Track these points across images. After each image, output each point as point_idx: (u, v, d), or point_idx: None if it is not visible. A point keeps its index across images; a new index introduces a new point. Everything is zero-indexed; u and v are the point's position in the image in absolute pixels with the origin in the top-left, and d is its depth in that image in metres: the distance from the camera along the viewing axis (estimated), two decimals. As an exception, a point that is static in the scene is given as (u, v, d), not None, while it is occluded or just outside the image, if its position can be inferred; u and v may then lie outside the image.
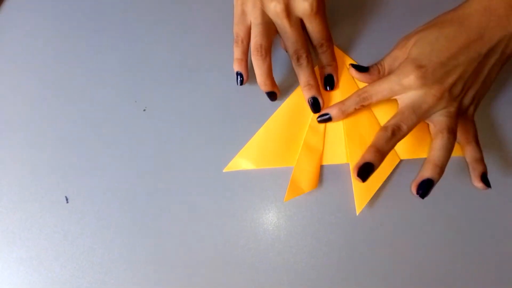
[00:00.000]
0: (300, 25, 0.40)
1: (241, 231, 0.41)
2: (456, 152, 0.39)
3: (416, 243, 0.41)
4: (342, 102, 0.40)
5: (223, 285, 0.40)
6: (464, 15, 0.36)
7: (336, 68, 0.43)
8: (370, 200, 0.41)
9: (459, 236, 0.41)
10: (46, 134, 0.43)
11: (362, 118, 0.42)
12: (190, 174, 0.42)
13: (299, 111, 0.43)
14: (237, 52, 0.40)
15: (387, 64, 0.39)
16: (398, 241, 0.41)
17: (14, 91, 0.44)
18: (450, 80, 0.35)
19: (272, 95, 0.42)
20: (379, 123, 0.42)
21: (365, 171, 0.33)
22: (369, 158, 0.34)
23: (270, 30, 0.39)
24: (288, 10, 0.38)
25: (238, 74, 0.41)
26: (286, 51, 0.41)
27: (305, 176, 0.41)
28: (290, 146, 0.42)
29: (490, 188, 0.36)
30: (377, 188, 0.41)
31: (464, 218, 0.41)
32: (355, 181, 0.41)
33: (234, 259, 0.41)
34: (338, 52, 0.44)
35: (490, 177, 0.37)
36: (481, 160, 0.37)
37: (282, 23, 0.39)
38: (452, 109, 0.36)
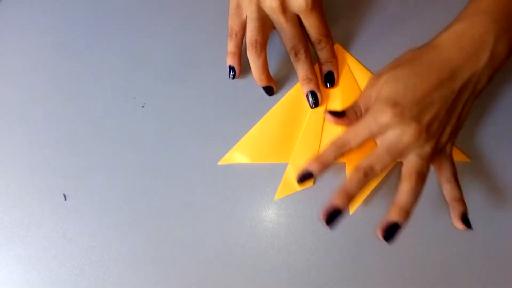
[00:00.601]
0: (297, 21, 0.39)
1: (240, 230, 0.41)
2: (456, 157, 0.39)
3: (412, 240, 0.40)
4: (319, 155, 0.36)
5: (223, 283, 0.40)
6: (435, 53, 0.35)
7: (336, 65, 0.42)
8: (369, 199, 0.41)
9: (456, 233, 0.40)
10: (44, 132, 0.43)
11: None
12: (189, 170, 0.42)
13: (297, 108, 0.42)
14: (230, 46, 0.40)
15: (362, 104, 0.37)
16: (400, 238, 0.40)
17: (12, 89, 0.44)
18: (427, 118, 0.34)
19: (269, 90, 0.42)
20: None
21: (332, 216, 0.33)
22: (338, 202, 0.33)
23: (266, 25, 0.39)
24: (284, 6, 0.38)
25: (230, 68, 0.41)
26: (285, 48, 0.41)
27: None
28: (286, 142, 0.42)
29: (471, 229, 0.35)
30: (370, 189, 0.40)
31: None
32: None
33: (230, 254, 0.40)
34: (339, 49, 0.43)
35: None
36: (460, 200, 0.36)
37: (278, 19, 0.38)
38: (427, 149, 0.34)
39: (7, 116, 0.43)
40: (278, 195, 0.41)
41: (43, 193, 0.42)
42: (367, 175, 0.34)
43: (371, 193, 0.41)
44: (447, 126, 0.35)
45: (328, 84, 0.42)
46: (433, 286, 0.40)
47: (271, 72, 0.41)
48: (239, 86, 0.43)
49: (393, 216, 0.34)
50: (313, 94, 0.41)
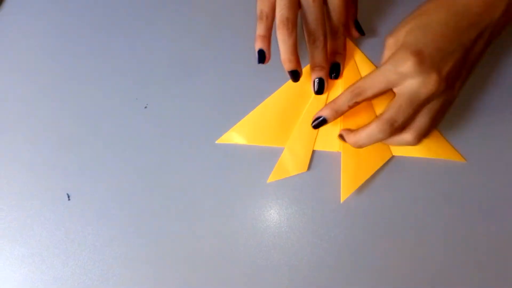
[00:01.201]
0: (323, 4, 0.38)
1: (240, 228, 0.41)
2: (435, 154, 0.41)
3: (412, 240, 0.41)
4: (333, 101, 0.37)
5: (224, 281, 0.40)
6: (449, 1, 0.35)
7: (344, 58, 0.42)
8: (366, 195, 0.41)
9: (455, 232, 0.41)
10: (47, 132, 0.43)
11: (359, 106, 0.42)
12: (193, 171, 0.42)
13: (297, 95, 0.43)
14: (260, 29, 0.38)
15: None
16: (395, 234, 0.41)
17: (16, 89, 0.44)
18: (447, 67, 0.34)
19: (295, 74, 0.39)
20: (375, 112, 0.42)
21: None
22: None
23: (296, 3, 0.37)
24: None
25: (260, 52, 0.38)
26: (304, 29, 0.40)
27: (295, 158, 0.42)
28: (284, 127, 0.42)
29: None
30: (365, 179, 0.41)
31: (457, 213, 0.41)
32: (344, 170, 0.41)
33: (230, 251, 0.41)
34: (349, 43, 0.44)
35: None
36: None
37: None
38: (441, 100, 0.35)
39: (11, 117, 0.44)
40: (271, 178, 0.42)
41: (47, 193, 0.42)
42: (392, 126, 0.34)
43: (370, 193, 0.41)
44: (460, 78, 0.35)
45: (333, 74, 0.42)
46: (432, 285, 0.40)
47: (274, 59, 0.40)
48: (242, 88, 0.44)
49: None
50: (321, 81, 0.41)
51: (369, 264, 0.40)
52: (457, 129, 0.42)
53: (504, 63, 0.43)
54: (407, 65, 0.33)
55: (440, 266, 0.40)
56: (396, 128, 0.34)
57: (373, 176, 0.41)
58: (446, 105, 0.36)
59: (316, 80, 0.41)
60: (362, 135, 0.36)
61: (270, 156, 0.42)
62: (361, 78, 0.36)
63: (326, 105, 0.38)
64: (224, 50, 0.45)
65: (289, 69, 0.39)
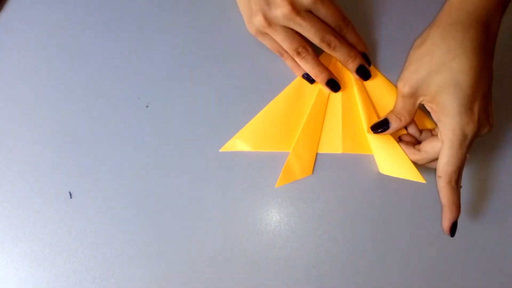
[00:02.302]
0: (313, 15, 0.39)
1: (240, 224, 0.41)
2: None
3: (412, 239, 0.41)
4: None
5: (225, 280, 0.41)
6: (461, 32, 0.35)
7: (364, 45, 0.42)
8: (371, 198, 0.41)
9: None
10: (50, 131, 0.43)
11: (361, 110, 0.42)
12: (193, 170, 0.42)
13: (299, 98, 0.43)
14: (311, 64, 0.41)
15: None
16: (400, 236, 0.41)
17: (18, 88, 0.45)
18: (489, 109, 0.36)
19: (333, 83, 0.42)
20: (377, 115, 0.42)
21: (454, 228, 0.37)
22: (453, 215, 0.36)
23: (293, 33, 0.40)
24: (295, 8, 0.38)
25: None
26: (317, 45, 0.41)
27: (300, 162, 0.42)
28: (288, 131, 0.43)
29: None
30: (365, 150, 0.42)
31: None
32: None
33: (231, 249, 0.41)
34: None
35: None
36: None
37: (296, 22, 0.38)
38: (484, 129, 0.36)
39: (13, 115, 0.44)
40: (279, 183, 0.42)
41: (49, 191, 0.42)
42: (457, 182, 0.36)
43: (371, 193, 0.42)
44: (490, 105, 0.37)
45: (366, 65, 0.42)
46: (430, 285, 0.40)
47: (275, 63, 0.40)
48: (243, 89, 0.44)
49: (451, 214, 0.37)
50: (362, 68, 0.42)
51: (369, 262, 0.41)
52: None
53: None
54: (469, 127, 0.35)
55: (440, 266, 0.41)
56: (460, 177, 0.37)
57: (372, 176, 0.42)
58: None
59: (358, 68, 0.41)
60: (452, 203, 0.36)
61: (270, 161, 0.42)
62: (443, 164, 0.36)
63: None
64: (226, 50, 0.45)
65: (324, 80, 0.41)
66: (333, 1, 0.40)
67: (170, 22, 0.46)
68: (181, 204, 0.42)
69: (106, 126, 0.43)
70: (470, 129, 0.35)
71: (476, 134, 0.35)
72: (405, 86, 0.37)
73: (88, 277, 0.41)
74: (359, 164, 0.42)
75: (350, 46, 0.41)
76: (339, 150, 0.42)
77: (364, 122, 0.42)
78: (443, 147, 0.36)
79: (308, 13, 0.38)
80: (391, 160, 0.41)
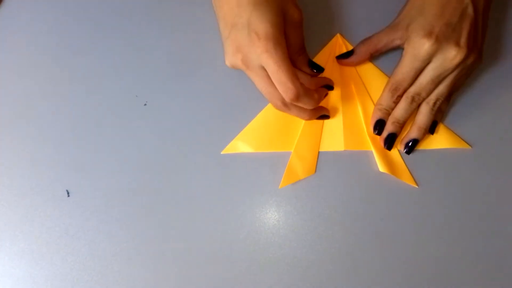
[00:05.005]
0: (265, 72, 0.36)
1: (241, 224, 0.41)
2: (436, 144, 0.42)
3: (412, 239, 0.41)
4: (379, 102, 0.41)
5: (225, 279, 0.40)
6: None
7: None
8: (370, 197, 0.41)
9: (457, 225, 0.41)
10: (47, 129, 0.43)
11: (360, 109, 0.42)
12: (192, 165, 0.42)
13: None
14: (305, 107, 0.37)
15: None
16: (400, 235, 0.41)
17: (16, 86, 0.45)
18: (462, 36, 0.36)
19: (325, 117, 0.42)
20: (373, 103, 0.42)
21: (389, 140, 0.41)
22: (391, 129, 0.40)
23: (271, 83, 0.36)
24: (245, 62, 0.36)
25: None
26: None
27: (303, 162, 0.42)
28: (289, 131, 0.42)
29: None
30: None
31: (465, 215, 0.41)
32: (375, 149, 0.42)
33: (231, 247, 0.41)
34: (340, 40, 0.43)
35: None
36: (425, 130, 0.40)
37: (251, 76, 0.37)
38: (469, 62, 0.37)
39: (11, 113, 0.44)
40: (282, 184, 0.41)
41: (46, 189, 0.42)
42: (413, 100, 0.39)
43: (370, 192, 0.41)
44: (477, 38, 0.38)
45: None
46: (430, 284, 0.40)
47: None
48: (241, 84, 0.44)
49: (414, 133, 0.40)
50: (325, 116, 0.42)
51: (369, 262, 0.40)
52: (462, 117, 0.43)
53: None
54: (425, 49, 0.36)
55: (441, 266, 0.40)
56: (420, 101, 0.39)
57: (374, 174, 0.42)
58: (470, 68, 0.38)
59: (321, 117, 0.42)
60: (397, 114, 0.40)
61: (271, 161, 0.42)
62: (392, 74, 0.39)
63: (374, 109, 0.41)
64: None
65: (317, 116, 0.41)
66: (279, 58, 0.34)
67: (169, 20, 0.46)
68: (179, 201, 0.42)
69: (104, 124, 0.43)
70: (425, 49, 0.36)
71: (443, 60, 0.36)
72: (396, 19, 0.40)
73: (86, 275, 0.41)
74: (360, 162, 0.42)
75: (314, 84, 0.39)
76: (341, 148, 0.42)
77: (364, 122, 0.42)
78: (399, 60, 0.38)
79: (261, 69, 0.36)
80: (389, 159, 0.41)
